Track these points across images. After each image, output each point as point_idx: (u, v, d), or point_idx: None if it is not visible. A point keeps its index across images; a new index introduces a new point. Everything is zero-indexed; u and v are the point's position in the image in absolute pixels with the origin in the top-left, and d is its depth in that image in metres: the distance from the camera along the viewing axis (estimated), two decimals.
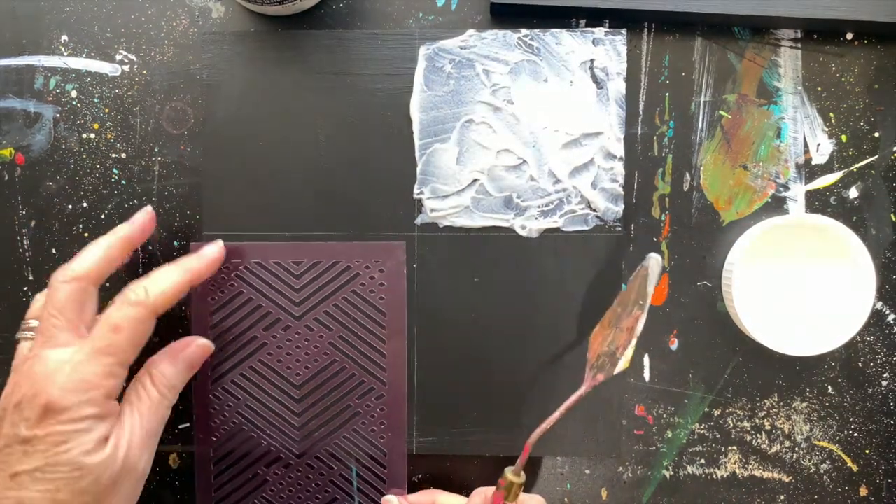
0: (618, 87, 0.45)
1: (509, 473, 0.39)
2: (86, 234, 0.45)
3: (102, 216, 0.45)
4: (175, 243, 0.45)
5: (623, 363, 0.39)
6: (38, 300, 0.41)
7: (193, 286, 0.41)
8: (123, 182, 0.45)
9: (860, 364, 0.45)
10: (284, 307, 0.44)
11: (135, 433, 0.37)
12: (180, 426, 0.46)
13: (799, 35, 0.45)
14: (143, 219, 0.41)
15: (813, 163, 0.45)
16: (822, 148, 0.45)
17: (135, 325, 0.37)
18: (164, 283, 0.38)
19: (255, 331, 0.45)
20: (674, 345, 0.45)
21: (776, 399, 0.45)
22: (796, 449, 0.46)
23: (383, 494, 0.45)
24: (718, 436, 0.45)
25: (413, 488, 0.46)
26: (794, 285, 0.44)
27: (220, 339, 0.44)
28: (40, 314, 0.37)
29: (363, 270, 0.44)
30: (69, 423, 0.34)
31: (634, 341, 0.39)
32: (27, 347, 0.38)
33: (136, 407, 0.37)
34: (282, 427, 0.45)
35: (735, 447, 0.45)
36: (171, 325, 0.45)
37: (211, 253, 0.42)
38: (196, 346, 0.41)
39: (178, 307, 0.45)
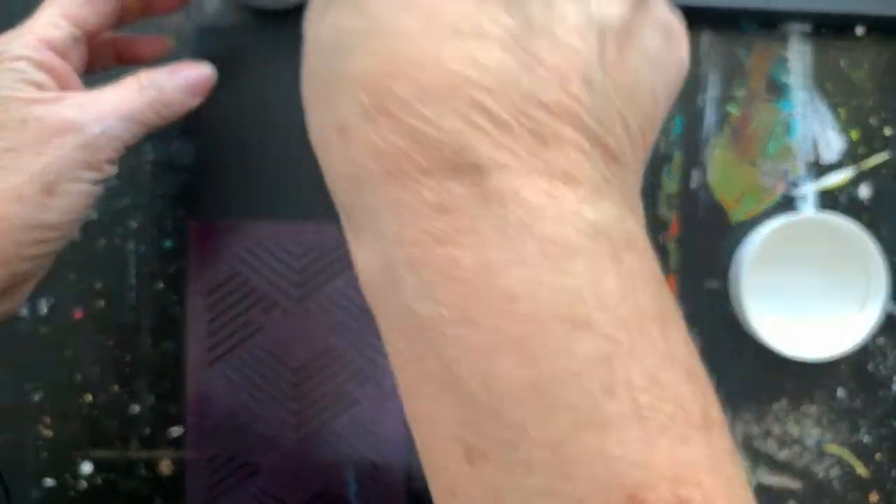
0: None
1: None
2: (81, 234, 0.45)
3: (94, 216, 0.45)
4: (167, 243, 0.45)
5: None
6: None
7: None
8: (115, 180, 0.45)
9: (871, 368, 0.45)
10: (284, 290, 0.44)
11: (100, 100, 0.32)
12: (173, 433, 0.45)
13: (808, 30, 0.45)
14: None
15: (823, 160, 0.45)
16: (833, 145, 0.45)
17: None
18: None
19: (252, 313, 0.44)
20: None
21: (785, 403, 0.45)
22: (805, 454, 0.45)
23: (381, 499, 0.44)
24: None
25: (412, 490, 0.45)
26: (804, 286, 0.44)
27: (217, 320, 0.44)
28: None
29: None
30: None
31: None
32: None
33: (104, 89, 0.33)
34: (278, 412, 0.44)
35: (743, 452, 0.45)
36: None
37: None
38: (201, 69, 0.36)
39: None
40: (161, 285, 0.45)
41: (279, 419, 0.44)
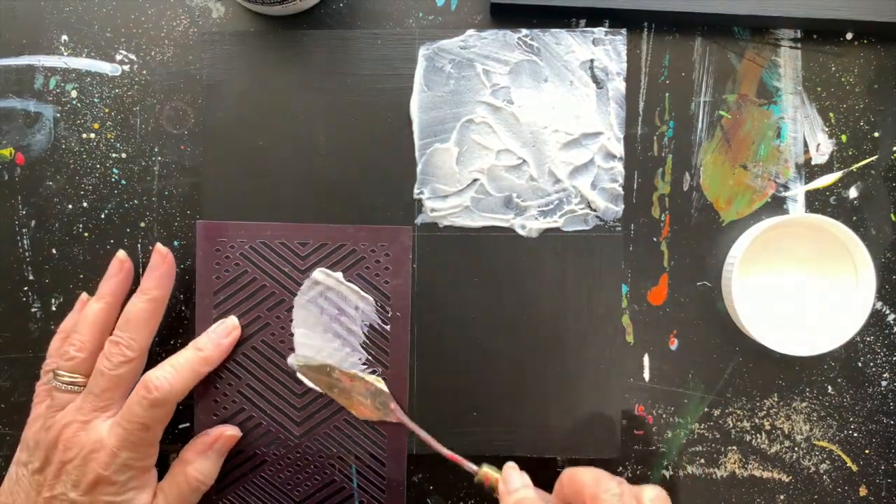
0: (618, 87, 0.45)
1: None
2: (85, 234, 0.45)
3: (102, 216, 0.45)
4: (175, 243, 0.45)
5: (377, 384, 0.44)
6: (72, 356, 0.42)
7: (208, 370, 0.44)
8: (123, 182, 0.45)
9: (860, 364, 0.45)
10: (289, 288, 0.45)
11: None
12: (180, 426, 0.46)
13: (799, 35, 0.45)
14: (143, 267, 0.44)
15: (813, 163, 0.45)
16: (822, 148, 0.45)
17: (162, 421, 0.41)
18: (185, 375, 0.42)
19: (258, 311, 0.45)
20: (673, 345, 0.45)
21: (776, 399, 0.45)
22: (796, 449, 0.46)
23: (383, 492, 0.45)
24: (718, 436, 0.45)
25: (413, 488, 0.46)
26: (794, 285, 0.44)
27: (223, 317, 0.45)
28: (95, 382, 0.41)
29: (369, 254, 0.44)
30: (115, 495, 0.40)
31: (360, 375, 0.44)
32: (67, 401, 0.41)
33: (170, 499, 0.42)
34: (283, 408, 0.45)
35: (735, 447, 0.45)
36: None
37: (221, 336, 0.44)
38: (226, 438, 0.44)
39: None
40: None
41: (284, 413, 0.45)
